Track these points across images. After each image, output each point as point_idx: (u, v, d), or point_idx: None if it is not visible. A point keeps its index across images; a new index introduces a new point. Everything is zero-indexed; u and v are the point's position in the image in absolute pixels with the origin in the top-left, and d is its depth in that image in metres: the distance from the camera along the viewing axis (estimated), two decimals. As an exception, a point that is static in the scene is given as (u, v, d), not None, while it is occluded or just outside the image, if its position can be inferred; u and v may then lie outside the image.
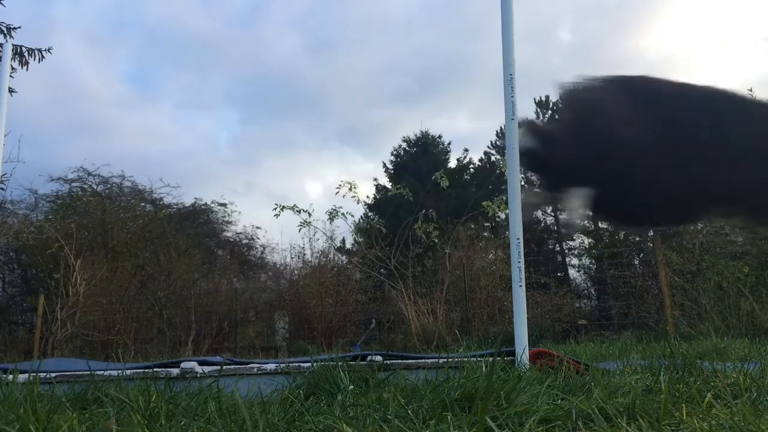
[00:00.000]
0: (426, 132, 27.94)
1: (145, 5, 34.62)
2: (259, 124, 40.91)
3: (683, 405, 1.54)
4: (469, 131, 38.11)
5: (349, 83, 38.32)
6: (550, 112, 28.32)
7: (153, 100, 38.91)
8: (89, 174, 15.53)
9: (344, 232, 24.86)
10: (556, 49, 37.37)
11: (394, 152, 27.93)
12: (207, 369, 2.59)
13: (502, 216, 12.10)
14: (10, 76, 8.32)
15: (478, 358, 2.39)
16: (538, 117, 28.38)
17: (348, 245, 17.92)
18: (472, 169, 27.75)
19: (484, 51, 37.46)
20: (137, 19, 34.79)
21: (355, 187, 10.44)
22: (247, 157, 39.11)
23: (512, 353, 2.71)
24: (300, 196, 40.93)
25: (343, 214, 10.46)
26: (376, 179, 28.00)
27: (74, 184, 15.49)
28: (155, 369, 2.54)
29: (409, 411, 1.47)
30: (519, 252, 2.80)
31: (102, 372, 2.35)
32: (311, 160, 38.64)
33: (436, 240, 10.31)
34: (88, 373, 2.28)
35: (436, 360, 2.65)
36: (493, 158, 27.73)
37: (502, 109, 2.96)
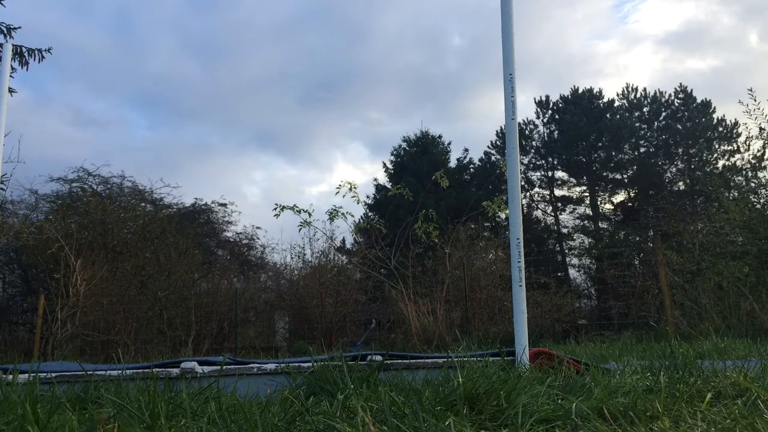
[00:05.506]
0: (426, 132, 27.94)
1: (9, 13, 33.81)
2: (169, 128, 40.20)
3: (683, 404, 1.54)
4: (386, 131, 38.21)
5: (252, 87, 37.83)
6: (550, 111, 28.33)
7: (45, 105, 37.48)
8: (89, 174, 15.54)
9: (344, 232, 24.89)
10: (450, 53, 37.28)
11: (394, 152, 27.92)
12: (207, 369, 2.59)
13: (502, 216, 12.11)
14: (10, 76, 8.32)
15: (479, 358, 2.39)
16: (538, 117, 28.42)
17: (348, 245, 17.92)
18: (472, 169, 27.75)
19: (374, 53, 37.08)
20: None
21: (355, 188, 10.45)
22: (167, 162, 38.06)
23: (512, 353, 2.71)
24: (239, 200, 40.07)
25: (343, 214, 10.47)
26: (376, 179, 28.02)
27: (74, 185, 15.50)
28: (155, 369, 2.54)
29: (408, 411, 1.46)
30: (519, 252, 2.80)
31: (102, 372, 2.35)
32: (233, 165, 38.09)
33: (436, 240, 10.31)
34: (88, 373, 2.28)
35: (436, 360, 2.65)
36: (493, 158, 27.75)
37: (502, 110, 2.96)
